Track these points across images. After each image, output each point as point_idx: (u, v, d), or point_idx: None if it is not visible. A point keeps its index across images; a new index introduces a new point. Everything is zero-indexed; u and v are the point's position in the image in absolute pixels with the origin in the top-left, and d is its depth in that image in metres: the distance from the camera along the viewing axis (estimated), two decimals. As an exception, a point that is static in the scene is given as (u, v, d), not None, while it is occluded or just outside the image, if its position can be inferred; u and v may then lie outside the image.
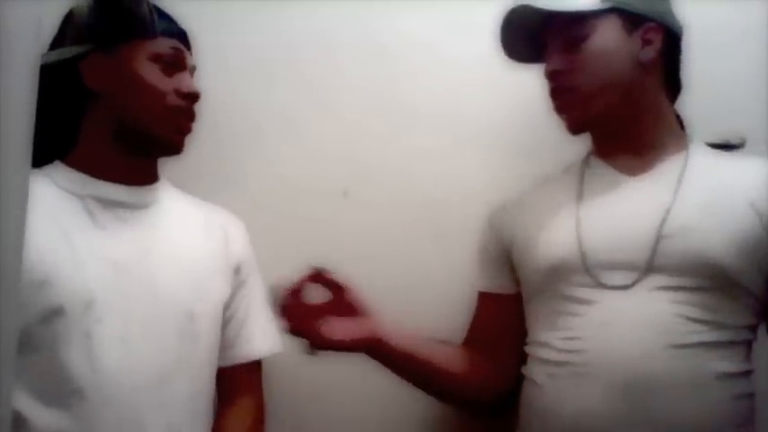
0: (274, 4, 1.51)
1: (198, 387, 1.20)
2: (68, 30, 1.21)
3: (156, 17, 1.19)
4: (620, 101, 1.22)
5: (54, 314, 1.08)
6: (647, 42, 1.22)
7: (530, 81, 1.31)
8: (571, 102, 1.24)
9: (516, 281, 1.32)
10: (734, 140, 1.32)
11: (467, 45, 1.48)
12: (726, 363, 1.13)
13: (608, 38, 1.21)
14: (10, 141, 0.71)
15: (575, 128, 1.26)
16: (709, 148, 1.28)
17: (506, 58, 1.31)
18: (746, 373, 1.16)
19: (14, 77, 0.72)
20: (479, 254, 1.38)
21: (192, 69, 1.25)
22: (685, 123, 1.30)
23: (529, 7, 1.22)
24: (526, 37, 1.27)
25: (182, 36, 1.24)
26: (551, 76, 1.25)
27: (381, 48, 1.51)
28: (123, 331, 1.12)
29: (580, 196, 1.26)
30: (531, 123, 1.35)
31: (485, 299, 1.37)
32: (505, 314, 1.33)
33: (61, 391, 1.07)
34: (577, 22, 1.21)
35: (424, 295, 1.41)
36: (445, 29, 1.51)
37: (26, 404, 1.05)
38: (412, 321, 1.42)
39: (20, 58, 0.73)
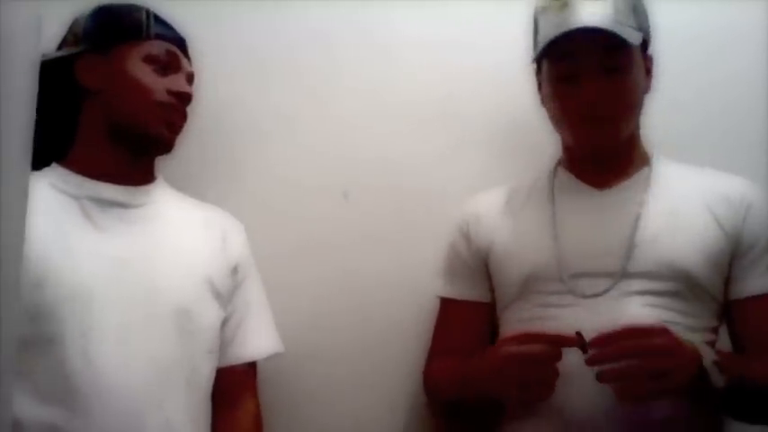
0: (273, 4, 1.51)
1: (196, 385, 1.20)
2: (68, 35, 1.23)
3: (152, 21, 1.21)
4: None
5: (49, 312, 1.08)
6: (647, 71, 1.26)
7: (528, 82, 1.31)
8: (607, 132, 1.22)
9: (491, 289, 1.33)
10: None
11: (464, 46, 1.49)
12: None
13: (639, 69, 1.23)
14: (10, 140, 0.71)
15: (596, 153, 1.26)
16: (668, 159, 1.31)
17: (532, 58, 1.27)
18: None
19: (14, 77, 0.72)
20: (456, 263, 1.36)
21: (190, 77, 1.26)
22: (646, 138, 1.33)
23: (598, 29, 1.16)
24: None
25: (179, 42, 1.26)
26: (588, 106, 1.20)
27: (379, 48, 1.51)
28: (120, 329, 1.12)
29: (553, 209, 1.28)
30: (531, 124, 1.35)
31: (461, 307, 1.36)
32: (483, 322, 1.34)
33: (58, 389, 1.07)
34: (621, 50, 1.20)
35: (424, 294, 1.41)
36: (442, 29, 1.51)
37: (23, 403, 1.04)
38: (412, 320, 1.43)
39: (20, 58, 0.73)
